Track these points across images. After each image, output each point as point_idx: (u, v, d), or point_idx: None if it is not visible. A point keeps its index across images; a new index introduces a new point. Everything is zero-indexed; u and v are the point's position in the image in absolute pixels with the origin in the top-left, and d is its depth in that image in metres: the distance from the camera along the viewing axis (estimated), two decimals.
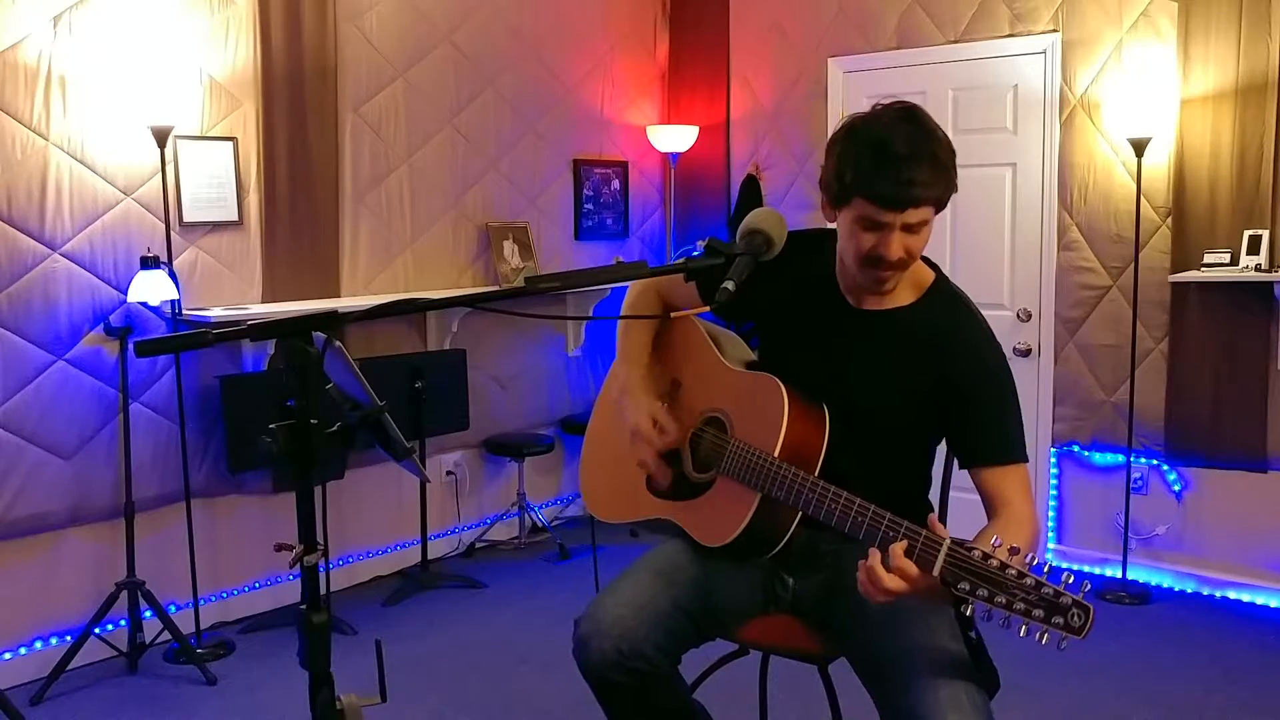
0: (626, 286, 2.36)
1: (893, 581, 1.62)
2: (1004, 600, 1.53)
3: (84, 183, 3.49)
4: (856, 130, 1.82)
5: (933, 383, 1.91)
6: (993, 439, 1.89)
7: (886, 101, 1.85)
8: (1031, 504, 1.88)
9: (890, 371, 1.94)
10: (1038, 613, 1.51)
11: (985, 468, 1.87)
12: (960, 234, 4.56)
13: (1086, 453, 4.41)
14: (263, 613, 4.01)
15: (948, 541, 1.60)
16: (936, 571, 1.60)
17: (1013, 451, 1.88)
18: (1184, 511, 4.21)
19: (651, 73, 5.57)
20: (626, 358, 2.23)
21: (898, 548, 1.63)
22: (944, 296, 1.97)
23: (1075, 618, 1.49)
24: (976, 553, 1.57)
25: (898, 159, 1.74)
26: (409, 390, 4.14)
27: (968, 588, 1.56)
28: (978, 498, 1.90)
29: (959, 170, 1.82)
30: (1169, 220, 4.11)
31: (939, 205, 1.81)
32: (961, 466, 1.94)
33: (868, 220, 1.80)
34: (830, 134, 1.89)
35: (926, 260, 1.96)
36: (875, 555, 1.65)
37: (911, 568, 1.61)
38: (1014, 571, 1.53)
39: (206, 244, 3.81)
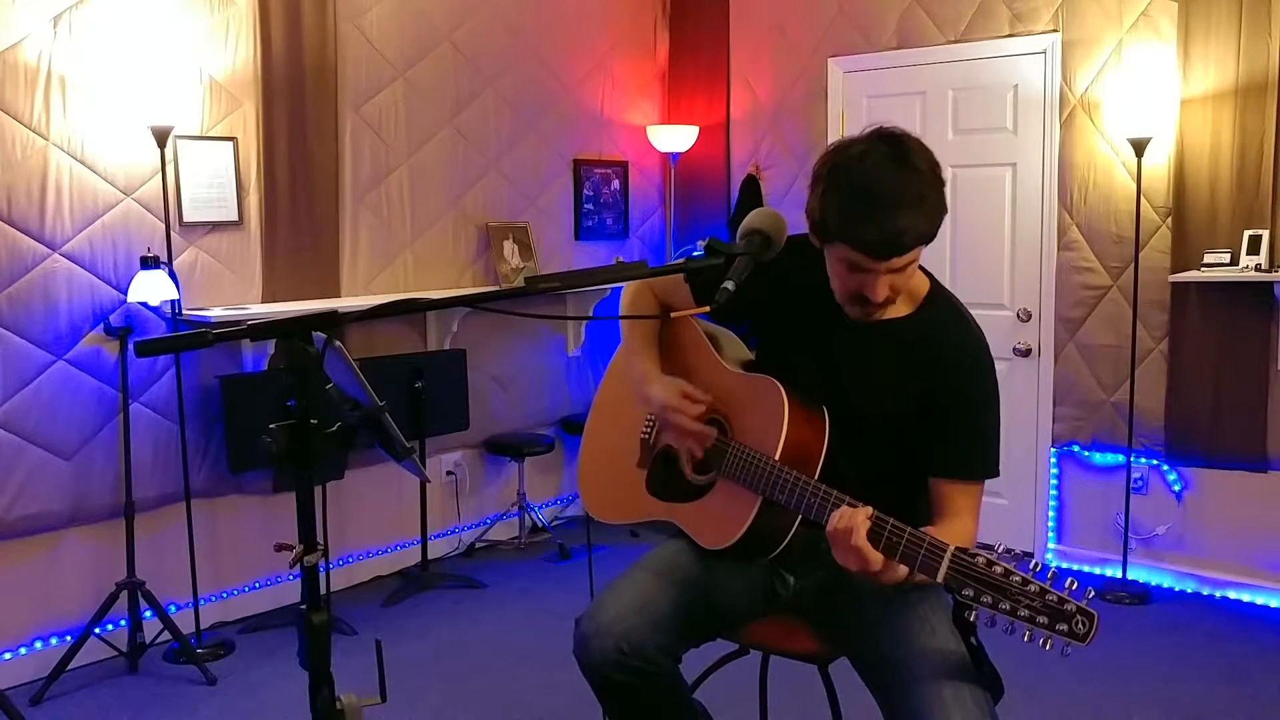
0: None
1: (882, 571, 1.66)
2: (1008, 607, 1.53)
3: (84, 183, 3.49)
4: (840, 170, 1.76)
5: (922, 391, 1.91)
6: (963, 455, 1.89)
7: (872, 128, 1.80)
8: (977, 523, 1.89)
9: (886, 379, 1.94)
10: (1042, 619, 1.51)
11: (949, 480, 1.88)
12: (960, 234, 4.56)
13: (1086, 453, 4.41)
14: (263, 613, 4.01)
15: (951, 548, 1.61)
16: (940, 578, 1.60)
17: (980, 470, 1.89)
18: (1184, 511, 4.21)
19: (651, 73, 5.57)
20: (635, 349, 2.22)
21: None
22: (941, 308, 1.96)
23: (1080, 624, 1.49)
24: (980, 559, 1.57)
25: (882, 207, 1.70)
26: (409, 390, 4.14)
27: (972, 594, 1.56)
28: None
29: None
30: (1169, 220, 4.11)
31: (927, 242, 1.77)
32: (927, 473, 1.92)
33: (852, 264, 1.78)
34: (830, 140, 1.87)
35: (921, 267, 1.94)
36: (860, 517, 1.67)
37: (901, 567, 1.65)
38: (1018, 578, 1.53)
39: (206, 244, 3.81)
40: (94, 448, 3.55)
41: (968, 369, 1.91)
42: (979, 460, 1.90)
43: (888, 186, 1.71)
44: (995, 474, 1.91)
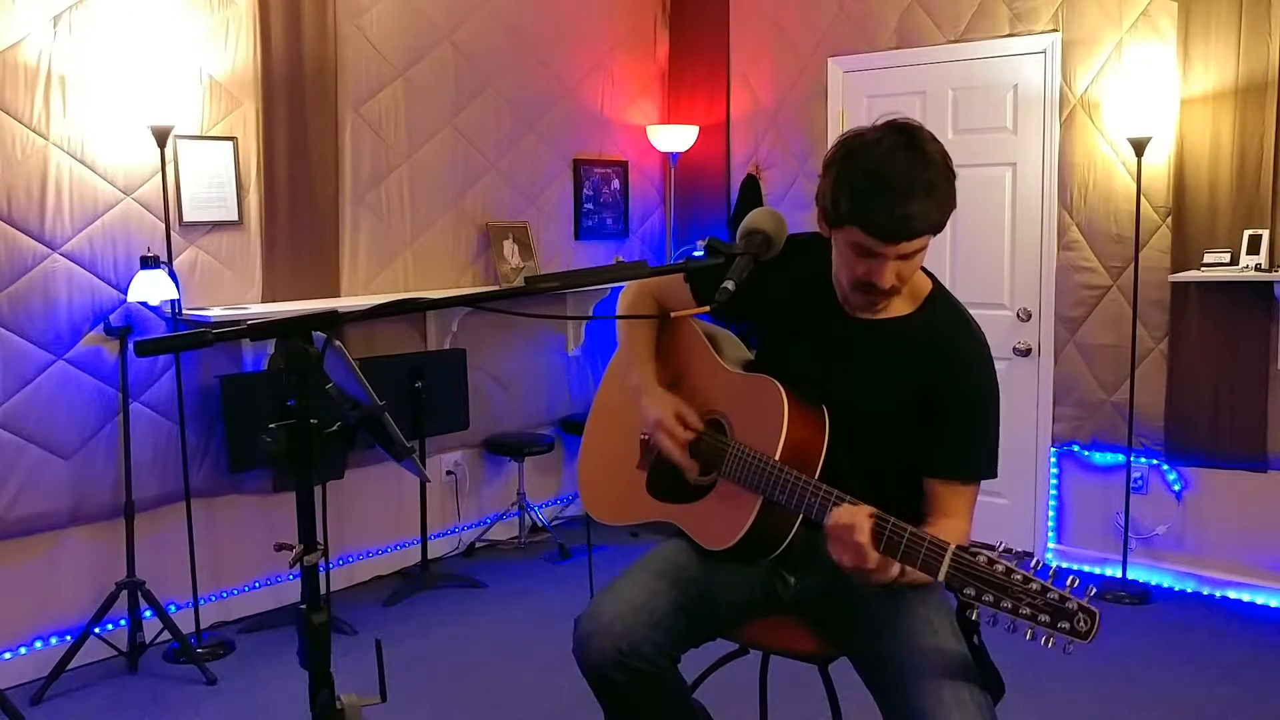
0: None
1: (876, 569, 1.66)
2: (1010, 605, 1.53)
3: (84, 183, 3.49)
4: (854, 155, 1.78)
5: (921, 390, 1.90)
6: (960, 456, 1.89)
7: (885, 119, 1.81)
8: (970, 524, 1.89)
9: (885, 380, 1.94)
10: (1044, 618, 1.51)
11: (943, 480, 1.88)
12: (960, 234, 4.56)
13: (1086, 452, 4.41)
14: (263, 613, 4.01)
15: (953, 546, 1.61)
16: (941, 577, 1.60)
17: (975, 472, 1.89)
18: (1184, 511, 4.21)
19: (651, 73, 5.56)
20: (635, 356, 2.22)
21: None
22: (941, 309, 1.96)
23: (1081, 622, 1.49)
24: (982, 558, 1.57)
25: (894, 192, 1.71)
26: (409, 390, 4.14)
27: (973, 593, 1.56)
28: (980, 499, 1.90)
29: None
30: (1169, 220, 4.11)
31: (936, 231, 1.79)
32: (922, 472, 1.92)
33: (861, 248, 1.79)
34: (830, 140, 1.88)
35: (923, 268, 1.95)
36: (865, 520, 1.68)
37: (894, 566, 1.66)
38: (1019, 576, 1.54)
39: (206, 244, 3.81)
40: (94, 447, 3.55)
41: (967, 369, 1.91)
42: (973, 462, 1.90)
43: (901, 172, 1.72)
44: (992, 475, 1.91)
